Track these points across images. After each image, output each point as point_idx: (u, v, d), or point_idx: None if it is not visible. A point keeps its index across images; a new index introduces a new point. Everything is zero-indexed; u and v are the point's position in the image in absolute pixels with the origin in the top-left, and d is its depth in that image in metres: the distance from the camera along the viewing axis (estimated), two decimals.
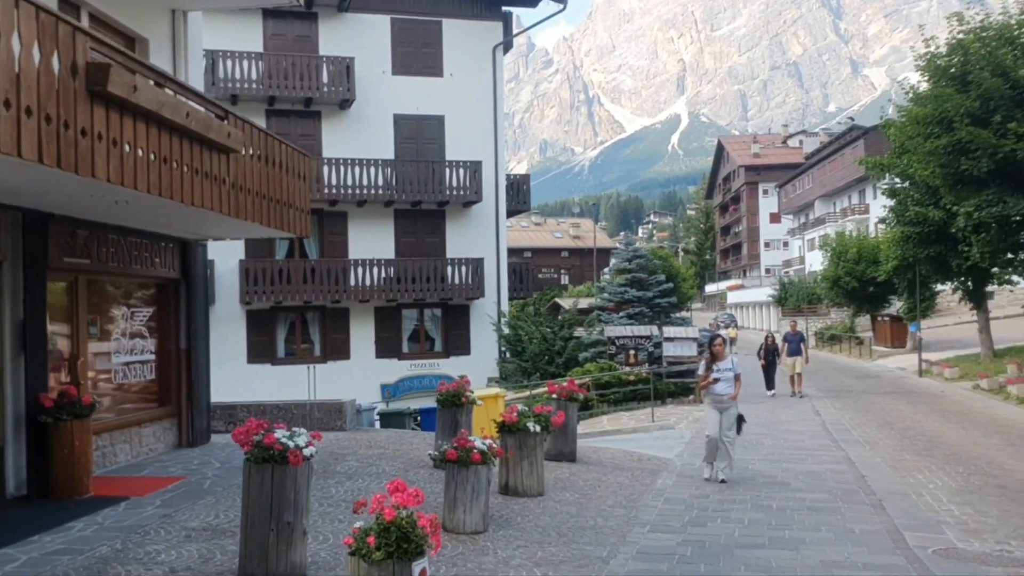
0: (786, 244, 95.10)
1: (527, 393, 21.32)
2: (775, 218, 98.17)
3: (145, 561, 6.68)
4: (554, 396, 12.38)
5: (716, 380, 11.19)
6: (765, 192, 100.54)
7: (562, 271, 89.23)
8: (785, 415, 19.30)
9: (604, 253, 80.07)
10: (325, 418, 13.97)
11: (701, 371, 11.68)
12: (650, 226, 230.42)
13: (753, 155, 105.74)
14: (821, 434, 16.46)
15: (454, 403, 10.91)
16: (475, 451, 7.80)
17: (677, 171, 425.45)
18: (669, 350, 23.08)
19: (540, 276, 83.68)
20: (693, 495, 10.28)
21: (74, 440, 8.92)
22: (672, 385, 23.01)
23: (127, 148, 7.63)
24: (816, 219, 77.81)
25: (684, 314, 33.01)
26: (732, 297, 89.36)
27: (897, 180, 33.79)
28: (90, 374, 10.38)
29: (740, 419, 11.54)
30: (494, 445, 8.00)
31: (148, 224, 10.99)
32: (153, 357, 11.87)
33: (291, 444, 6.29)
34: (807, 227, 79.92)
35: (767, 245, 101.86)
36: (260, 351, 28.07)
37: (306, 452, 6.33)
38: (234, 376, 26.75)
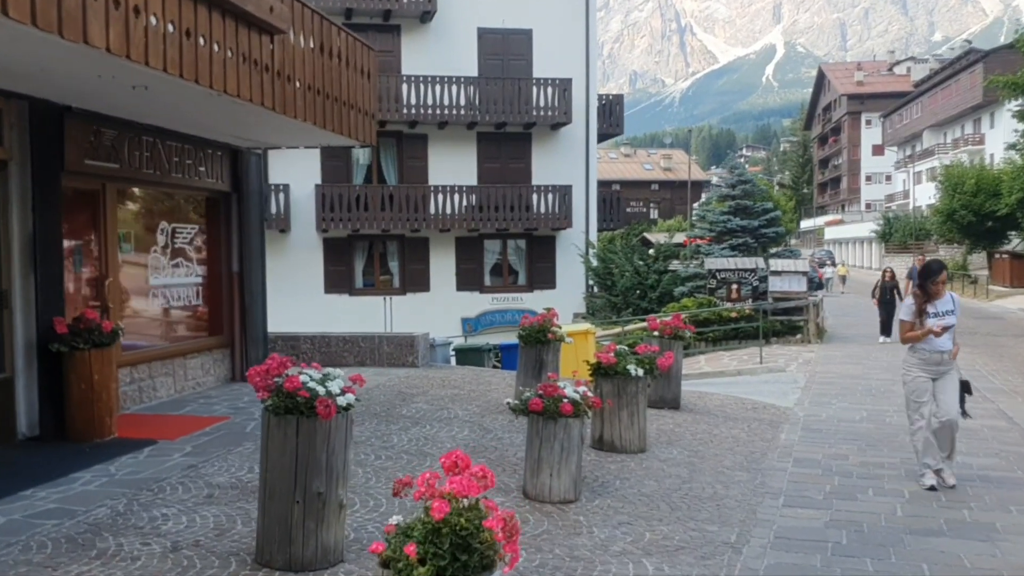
0: (889, 178, 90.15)
1: (618, 330, 19.58)
2: (878, 150, 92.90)
3: (146, 531, 5.26)
4: (656, 334, 10.62)
5: (938, 331, 7.18)
6: (868, 123, 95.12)
7: (651, 204, 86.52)
8: None
9: (696, 186, 77.02)
10: (395, 353, 12.51)
11: (906, 316, 7.47)
12: (743, 160, 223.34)
13: (856, 83, 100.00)
14: None
15: (539, 339, 9.26)
16: (565, 400, 6.14)
17: (772, 103, 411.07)
18: (776, 285, 20.96)
19: (629, 210, 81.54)
20: (828, 455, 8.46)
21: (92, 373, 7.58)
22: (778, 323, 20.92)
23: (135, 13, 6.04)
24: (924, 151, 73.07)
25: (794, 243, 30.54)
26: (830, 233, 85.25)
27: None
28: (121, 297, 9.04)
29: (965, 388, 7.57)
30: (588, 393, 6.32)
31: (189, 126, 9.52)
32: (200, 280, 10.50)
33: (321, 391, 4.71)
34: (914, 159, 75.21)
35: (868, 179, 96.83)
36: (337, 281, 26.95)
37: (341, 401, 4.76)
38: (311, 307, 25.78)
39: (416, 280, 27.50)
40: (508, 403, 6.33)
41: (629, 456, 7.84)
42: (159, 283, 9.75)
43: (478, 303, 27.73)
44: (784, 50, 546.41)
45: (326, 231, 26.51)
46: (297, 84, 8.56)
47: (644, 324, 12.84)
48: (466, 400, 10.02)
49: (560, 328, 9.49)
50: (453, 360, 14.17)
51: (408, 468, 6.96)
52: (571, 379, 6.76)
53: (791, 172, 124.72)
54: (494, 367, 14.44)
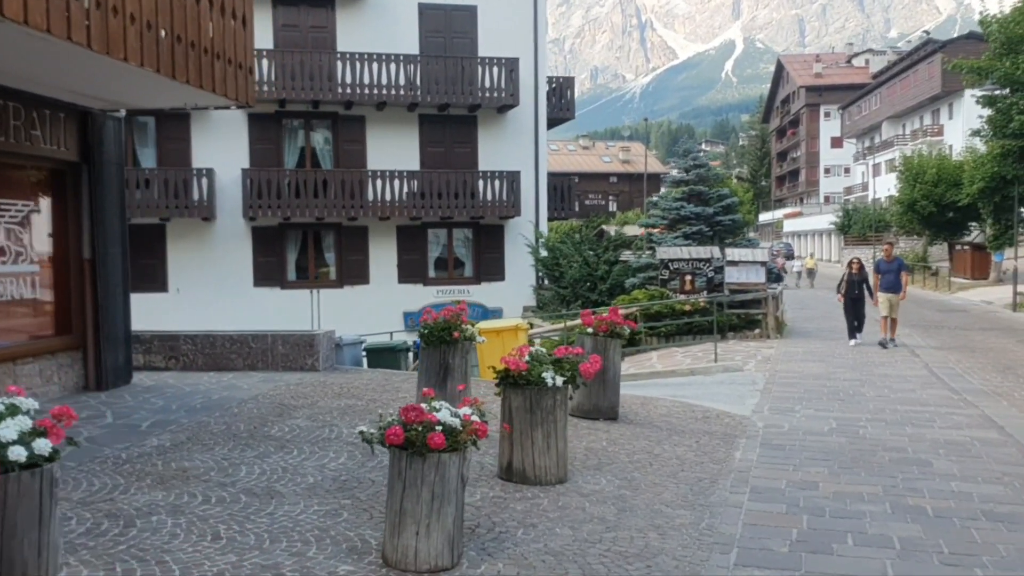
0: (848, 170, 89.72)
1: (562, 325, 17.93)
2: (837, 142, 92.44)
3: None
4: (590, 330, 8.96)
5: None
6: (827, 115, 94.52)
7: (610, 197, 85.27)
8: (877, 356, 15.68)
9: (654, 178, 75.74)
10: (292, 354, 10.73)
11: None
12: (702, 155, 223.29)
13: (815, 75, 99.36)
14: (932, 381, 12.87)
15: (443, 339, 7.54)
16: (438, 429, 4.44)
17: (731, 99, 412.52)
18: (733, 276, 19.41)
19: (587, 202, 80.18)
20: (793, 482, 6.84)
21: None
22: (735, 317, 19.39)
23: None
24: (883, 142, 72.42)
25: (752, 236, 29.03)
26: (789, 225, 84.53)
27: (997, 87, 29.42)
28: None
29: None
30: (476, 416, 4.62)
31: (16, 79, 7.67)
32: (35, 269, 8.63)
33: None
34: (873, 151, 74.52)
35: (827, 171, 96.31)
36: (268, 273, 25.00)
37: (18, 455, 3.01)
38: (238, 302, 23.89)
39: (354, 272, 25.63)
40: (360, 432, 4.60)
41: (544, 490, 6.16)
42: None
43: (422, 296, 25.89)
44: (743, 46, 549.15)
45: (254, 219, 24.55)
46: (130, 18, 6.75)
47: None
48: (360, 414, 8.28)
49: (470, 326, 7.77)
50: (366, 362, 12.37)
51: (241, 516, 5.22)
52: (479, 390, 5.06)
53: (749, 166, 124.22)
54: (414, 370, 12.71)
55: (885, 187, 63.57)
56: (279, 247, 25.19)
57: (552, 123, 28.96)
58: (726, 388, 12.67)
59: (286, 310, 24.20)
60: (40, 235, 8.71)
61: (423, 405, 4.62)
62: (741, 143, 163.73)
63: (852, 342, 17.03)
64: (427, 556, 4.48)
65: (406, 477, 4.50)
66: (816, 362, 15.01)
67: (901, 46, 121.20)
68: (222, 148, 24.10)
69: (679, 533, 5.42)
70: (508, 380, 6.27)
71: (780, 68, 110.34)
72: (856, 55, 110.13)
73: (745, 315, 19.57)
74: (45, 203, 8.77)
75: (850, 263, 18.05)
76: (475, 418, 4.61)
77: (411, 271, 25.92)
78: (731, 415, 9.84)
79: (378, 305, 24.55)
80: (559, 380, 6.26)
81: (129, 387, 9.39)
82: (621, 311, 18.03)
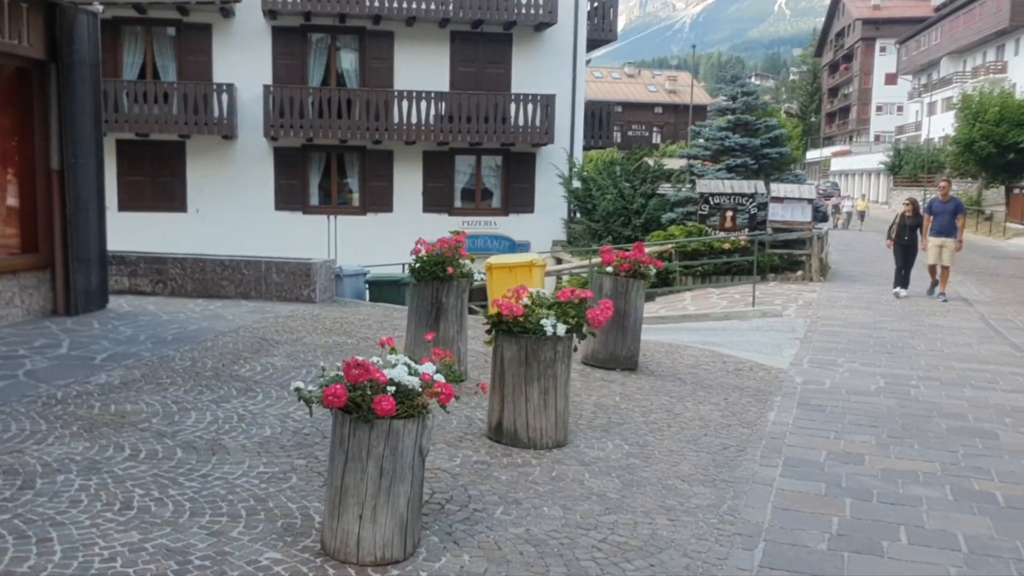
0: (901, 108, 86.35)
1: (589, 261, 16.87)
2: (891, 79, 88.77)
3: None
4: (610, 269, 7.95)
5: None
6: (883, 50, 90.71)
7: (654, 128, 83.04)
8: (928, 305, 14.49)
9: (701, 111, 73.33)
10: (287, 284, 9.85)
11: None
12: (751, 82, 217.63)
13: (872, 7, 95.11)
14: (990, 335, 11.71)
15: (435, 275, 6.58)
16: (389, 390, 3.50)
17: (783, 32, 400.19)
18: (777, 213, 18.15)
19: (630, 134, 78.22)
20: (834, 454, 5.84)
21: None
22: (777, 258, 18.21)
23: None
24: (941, 79, 69.23)
25: (799, 171, 27.41)
26: (836, 164, 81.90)
27: None
28: None
29: None
30: (441, 375, 3.66)
31: None
32: None
33: None
34: (930, 88, 71.44)
35: (879, 109, 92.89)
36: (289, 197, 24.10)
37: None
38: (259, 225, 23.12)
39: (378, 199, 24.64)
40: (296, 389, 3.67)
41: (537, 455, 5.23)
42: None
43: (447, 227, 24.56)
44: None
45: (276, 139, 23.57)
46: None
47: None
48: (347, 353, 7.39)
49: (468, 261, 6.78)
50: (368, 296, 11.45)
51: (167, 478, 4.36)
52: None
53: (799, 101, 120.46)
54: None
55: (940, 127, 60.99)
56: (301, 170, 24.24)
57: (592, 45, 27.46)
58: (763, 335, 11.63)
59: (308, 236, 23.37)
60: (1, 142, 7.82)
61: (374, 359, 3.68)
62: (792, 78, 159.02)
63: (898, 291, 15.53)
64: (372, 545, 3.58)
65: (349, 448, 3.58)
66: (862, 309, 13.89)
67: None
68: (244, 62, 23.04)
69: (694, 518, 4.48)
70: (501, 326, 5.31)
71: None
72: None
73: (788, 256, 18.38)
74: (3, 106, 7.86)
75: (907, 204, 16.39)
76: (439, 377, 3.66)
77: (436, 200, 24.89)
78: (766, 368, 8.82)
79: (401, 235, 23.43)
80: (561, 328, 5.28)
81: (101, 313, 8.59)
82: (654, 248, 17.04)
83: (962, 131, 41.12)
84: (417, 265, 6.59)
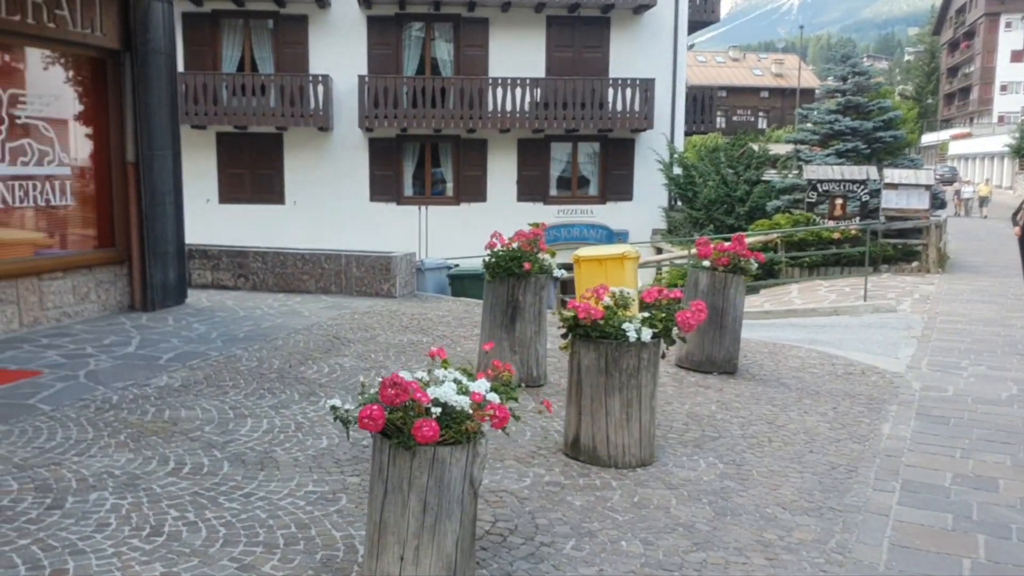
0: None
1: (689, 252, 16.10)
2: (1017, 56, 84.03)
3: None
4: (707, 263, 7.31)
5: None
6: (1008, 25, 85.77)
7: (760, 113, 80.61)
8: None
9: (808, 94, 70.72)
10: (367, 278, 9.51)
11: None
12: (864, 62, 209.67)
13: None
14: None
15: (510, 271, 6.08)
16: (433, 412, 3.01)
17: (897, 11, 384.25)
18: (891, 200, 17.00)
19: (735, 119, 76.14)
20: (961, 476, 5.10)
21: None
22: (890, 247, 17.06)
23: None
24: None
25: (914, 156, 25.71)
26: (955, 148, 77.80)
27: None
28: None
29: None
30: (495, 395, 3.16)
31: None
32: (65, 171, 7.61)
33: None
34: None
35: (1004, 88, 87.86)
36: (384, 188, 23.98)
37: None
38: (354, 216, 23.11)
39: (471, 189, 24.31)
40: (332, 408, 3.22)
41: (619, 475, 4.68)
42: None
43: (542, 216, 24.22)
44: None
45: (371, 130, 23.48)
46: None
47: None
48: (422, 354, 6.98)
49: (547, 256, 6.26)
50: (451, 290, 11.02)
51: (207, 497, 3.99)
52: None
53: (914, 83, 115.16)
54: None
55: None
56: (395, 160, 24.09)
57: (694, 27, 26.49)
58: (875, 333, 10.75)
59: (401, 227, 23.24)
60: (73, 134, 7.68)
61: (419, 374, 3.20)
62: (907, 58, 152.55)
63: None
64: None
65: (388, 478, 3.11)
66: (986, 303, 12.79)
67: None
68: (340, 53, 23.00)
69: (795, 557, 3.86)
70: (577, 331, 4.77)
71: None
72: None
73: (903, 245, 17.21)
74: (78, 97, 7.71)
75: None
76: (492, 397, 3.15)
77: (531, 189, 24.39)
78: (880, 371, 8.02)
79: (494, 225, 22.90)
80: (646, 333, 4.71)
81: (178, 308, 8.40)
82: (758, 238, 16.14)
83: None
84: (491, 261, 6.10)
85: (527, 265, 5.98)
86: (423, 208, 23.55)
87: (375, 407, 3.04)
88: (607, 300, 4.88)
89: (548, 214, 24.21)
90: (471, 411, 3.10)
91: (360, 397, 3.21)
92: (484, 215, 23.58)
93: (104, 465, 4.31)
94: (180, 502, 3.91)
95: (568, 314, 4.78)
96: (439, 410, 3.05)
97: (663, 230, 24.02)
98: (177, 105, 8.36)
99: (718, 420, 5.89)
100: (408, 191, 24.38)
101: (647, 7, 23.39)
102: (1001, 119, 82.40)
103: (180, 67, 22.52)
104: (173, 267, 8.42)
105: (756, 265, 7.45)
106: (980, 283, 15.12)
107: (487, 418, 3.11)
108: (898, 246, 17.26)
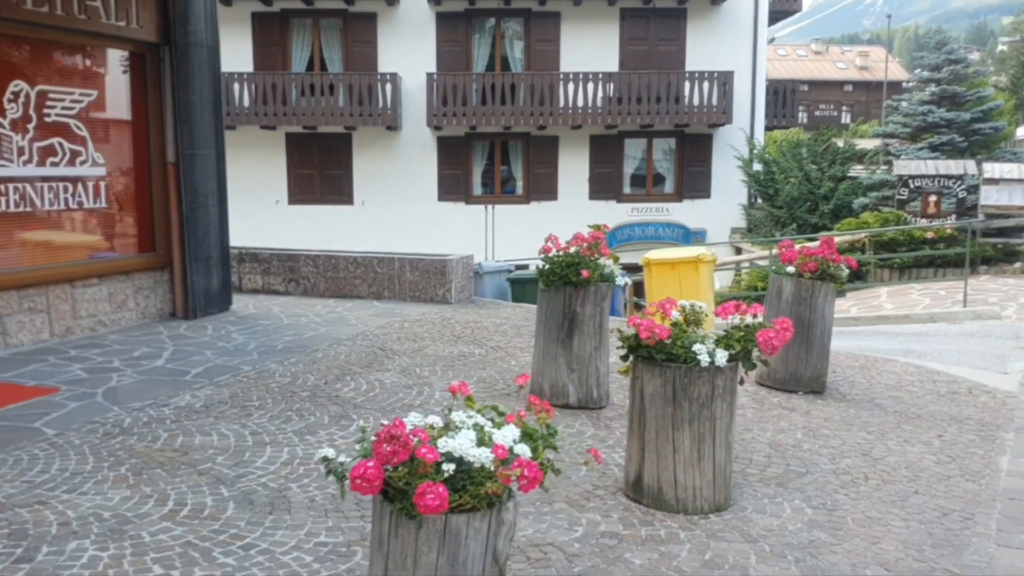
0: None
1: (770, 252, 15.16)
2: None
3: None
4: (791, 269, 6.52)
5: None
6: None
7: (844, 107, 77.97)
8: None
9: (895, 87, 68.16)
10: (421, 283, 8.94)
11: None
12: (959, 49, 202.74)
13: None
14: None
15: (566, 279, 5.40)
16: (442, 472, 2.37)
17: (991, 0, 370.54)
18: (990, 197, 15.79)
19: (817, 113, 73.86)
20: None
21: None
22: (990, 247, 15.85)
23: None
24: None
25: (1018, 150, 24.13)
26: None
27: None
28: None
29: None
30: (524, 449, 2.50)
31: None
32: (100, 172, 7.21)
33: None
34: None
35: None
36: (452, 187, 23.49)
37: None
38: (422, 216, 22.71)
39: (542, 187, 23.64)
40: (324, 458, 2.61)
41: (688, 524, 3.98)
42: (15, 174, 6.51)
43: (615, 215, 23.55)
44: None
45: (439, 129, 23.02)
46: None
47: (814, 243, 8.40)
48: (472, 368, 6.36)
49: (611, 260, 5.56)
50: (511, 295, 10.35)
51: (201, 548, 3.42)
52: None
53: (1009, 74, 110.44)
54: None
55: None
56: (465, 159, 23.58)
57: (774, 17, 25.37)
58: (978, 343, 9.75)
59: (470, 227, 22.76)
60: (108, 132, 7.27)
61: (431, 419, 2.57)
62: (1000, 48, 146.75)
63: None
64: None
65: (389, 552, 2.48)
66: None
67: None
68: (408, 51, 22.60)
69: None
70: (640, 352, 4.08)
71: None
72: None
73: (1004, 245, 15.97)
74: (114, 93, 7.30)
75: None
76: (521, 450, 2.49)
77: (604, 186, 23.60)
78: (988, 389, 7.10)
79: (565, 224, 22.28)
80: (721, 356, 3.99)
81: (221, 316, 7.95)
82: (844, 238, 15.10)
83: None
84: (545, 267, 5.44)
85: (585, 272, 5.29)
86: (491, 208, 23.00)
87: (370, 465, 2.42)
88: (675, 315, 4.18)
89: (621, 212, 23.44)
90: (493, 468, 2.45)
91: (358, 447, 2.60)
92: (555, 214, 22.91)
93: (94, 505, 3.79)
94: (167, 556, 3.36)
95: (628, 332, 4.09)
96: (452, 467, 2.41)
97: (742, 229, 23.00)
98: (221, 102, 7.90)
99: (805, 451, 5.12)
100: (477, 190, 23.84)
101: None
102: None
103: (249, 67, 22.44)
104: (217, 272, 7.97)
105: (847, 271, 6.63)
106: None
107: (513, 479, 2.45)
108: (998, 246, 16.03)
